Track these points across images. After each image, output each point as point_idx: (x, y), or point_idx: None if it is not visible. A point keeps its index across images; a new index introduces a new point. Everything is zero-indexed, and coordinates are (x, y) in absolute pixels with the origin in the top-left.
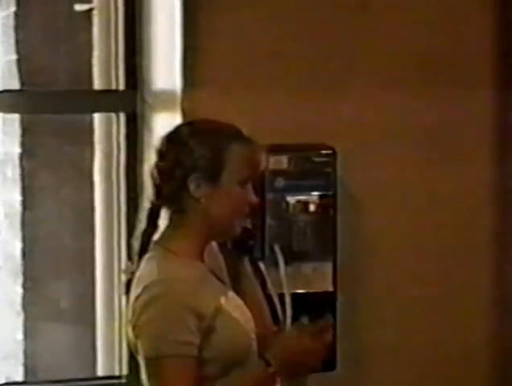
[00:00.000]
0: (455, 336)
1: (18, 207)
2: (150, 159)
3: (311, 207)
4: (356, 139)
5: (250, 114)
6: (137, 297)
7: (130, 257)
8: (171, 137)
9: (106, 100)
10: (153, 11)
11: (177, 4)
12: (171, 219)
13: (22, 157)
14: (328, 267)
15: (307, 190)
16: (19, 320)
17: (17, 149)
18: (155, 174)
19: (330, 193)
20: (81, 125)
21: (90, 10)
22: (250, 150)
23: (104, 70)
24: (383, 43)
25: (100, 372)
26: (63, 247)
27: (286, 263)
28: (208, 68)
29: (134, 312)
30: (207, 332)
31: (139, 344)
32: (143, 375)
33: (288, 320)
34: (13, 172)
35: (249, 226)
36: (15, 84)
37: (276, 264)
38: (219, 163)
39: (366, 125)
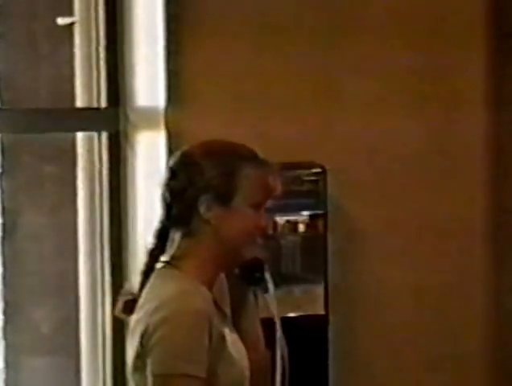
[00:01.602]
0: (451, 353)
1: None
2: (133, 177)
3: (301, 228)
4: (346, 157)
5: (236, 132)
6: (150, 313)
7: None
8: (184, 156)
9: (88, 119)
10: (135, 28)
11: (160, 21)
12: (181, 242)
13: (1, 177)
14: (319, 289)
15: (297, 209)
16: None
17: None
18: (166, 194)
19: (320, 212)
20: (63, 144)
21: (73, 24)
22: (265, 173)
23: (86, 87)
24: (372, 61)
25: None
26: (44, 270)
27: (275, 286)
28: (191, 86)
29: (145, 331)
30: (216, 354)
31: (148, 362)
32: None
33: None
34: None
35: (260, 256)
36: None
37: (265, 288)
38: (231, 185)
39: (357, 142)
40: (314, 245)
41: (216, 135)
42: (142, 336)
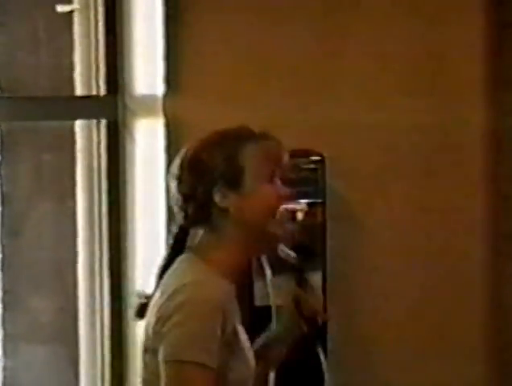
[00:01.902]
0: (451, 340)
1: None
2: (132, 165)
3: (299, 216)
4: (345, 145)
5: (233, 120)
6: (168, 298)
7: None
8: (184, 157)
9: (87, 106)
10: (134, 15)
11: (159, 8)
12: (203, 237)
13: (0, 165)
14: (317, 278)
15: (295, 197)
16: None
17: None
18: (179, 199)
19: (319, 201)
20: (62, 132)
21: (72, 12)
22: (266, 145)
23: (85, 75)
24: (374, 45)
25: None
26: (43, 259)
27: (273, 274)
28: (190, 72)
29: (161, 316)
30: (228, 347)
31: (161, 347)
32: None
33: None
34: None
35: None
36: None
37: (263, 276)
38: (237, 167)
39: (356, 131)
40: (313, 233)
41: (214, 121)
42: (158, 320)
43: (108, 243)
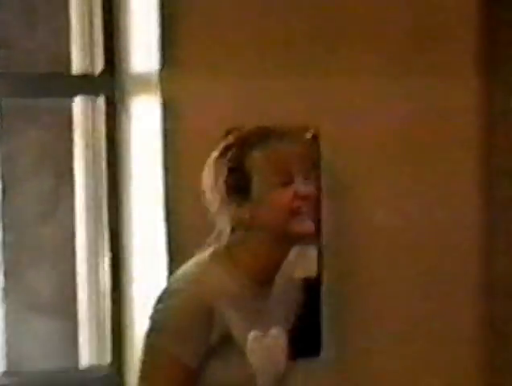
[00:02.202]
0: (442, 322)
1: None
2: (129, 141)
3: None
4: (339, 123)
5: (230, 96)
6: (163, 297)
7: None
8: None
9: (84, 84)
10: None
11: None
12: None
13: None
14: (313, 251)
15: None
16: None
17: None
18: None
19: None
20: (59, 109)
21: None
22: (274, 152)
23: (82, 52)
24: (366, 25)
25: (83, 361)
26: (43, 235)
27: None
28: (185, 50)
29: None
30: (221, 352)
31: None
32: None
33: None
34: None
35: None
36: None
37: None
38: (243, 177)
39: (350, 108)
40: None
41: (210, 99)
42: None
43: (107, 216)
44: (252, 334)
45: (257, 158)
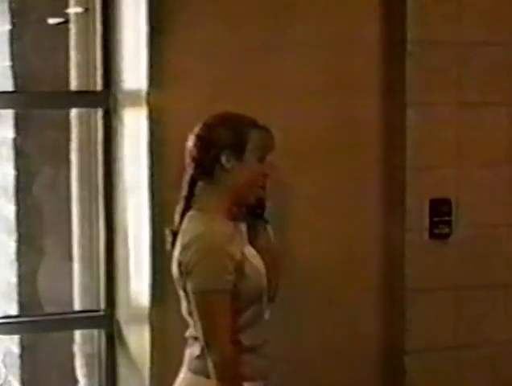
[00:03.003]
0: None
1: (11, 179)
2: (121, 145)
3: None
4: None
5: (206, 107)
6: (184, 247)
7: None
8: (207, 124)
9: (86, 99)
10: (124, 26)
11: (143, 19)
12: (203, 188)
13: (15, 141)
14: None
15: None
16: (13, 267)
17: (11, 134)
18: (195, 152)
19: None
20: (64, 117)
21: (62, 23)
22: (265, 134)
23: (83, 73)
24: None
25: (77, 307)
26: (47, 210)
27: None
28: (169, 72)
29: (182, 261)
30: (238, 271)
31: (188, 281)
32: (184, 307)
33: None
34: (7, 152)
35: (262, 196)
36: (9, 85)
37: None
38: (243, 143)
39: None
40: None
41: (189, 112)
42: (180, 264)
43: (103, 201)
44: (245, 248)
45: (254, 133)
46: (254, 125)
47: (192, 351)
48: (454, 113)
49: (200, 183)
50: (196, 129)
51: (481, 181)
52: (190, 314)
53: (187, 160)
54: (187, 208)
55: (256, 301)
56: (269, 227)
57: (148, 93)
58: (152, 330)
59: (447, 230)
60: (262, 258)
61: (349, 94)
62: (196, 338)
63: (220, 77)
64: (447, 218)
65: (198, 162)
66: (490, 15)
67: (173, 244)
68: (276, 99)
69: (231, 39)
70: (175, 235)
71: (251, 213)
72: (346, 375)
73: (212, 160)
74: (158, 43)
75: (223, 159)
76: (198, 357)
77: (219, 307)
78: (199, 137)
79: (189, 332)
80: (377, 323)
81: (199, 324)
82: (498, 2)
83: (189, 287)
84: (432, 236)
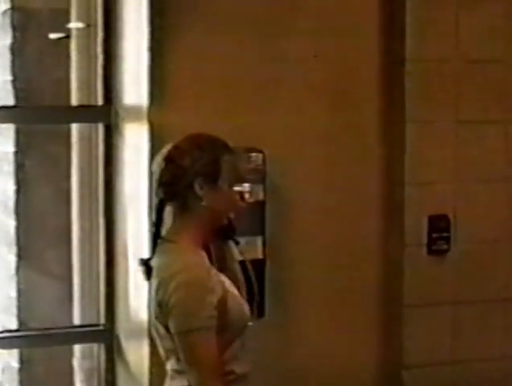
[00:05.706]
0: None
1: (12, 194)
2: (122, 160)
3: (247, 196)
4: (279, 144)
5: (201, 124)
6: (162, 285)
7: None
8: (179, 148)
9: (87, 114)
10: (125, 41)
11: (144, 35)
12: (175, 216)
13: (16, 155)
14: (258, 240)
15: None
16: (13, 282)
17: (12, 149)
18: (167, 176)
19: (261, 185)
20: (65, 132)
21: (64, 38)
22: (238, 159)
23: (84, 88)
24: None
25: (77, 321)
26: (47, 224)
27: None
28: (168, 88)
29: (162, 299)
30: (221, 304)
31: (170, 321)
32: (163, 344)
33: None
34: (8, 167)
35: (231, 216)
36: (10, 99)
37: (237, 242)
38: (217, 169)
39: (287, 131)
40: (256, 209)
41: (188, 125)
42: (159, 303)
43: (104, 218)
44: (222, 277)
45: (228, 158)
46: (226, 148)
47: (175, 384)
48: (452, 130)
49: (169, 208)
50: (165, 152)
51: (478, 197)
52: (171, 351)
53: (155, 184)
54: (157, 235)
55: (244, 328)
56: (235, 248)
57: (149, 109)
58: (151, 345)
59: (445, 246)
60: (233, 281)
61: (349, 111)
62: (179, 372)
63: (221, 93)
64: (445, 234)
65: (169, 187)
66: (488, 34)
67: (148, 275)
68: (276, 113)
69: (233, 56)
70: (147, 265)
71: (222, 235)
72: None
73: (184, 187)
74: (160, 59)
75: (196, 187)
76: None
77: (205, 345)
78: (170, 161)
79: (171, 365)
80: (376, 338)
81: (186, 363)
82: (496, 21)
83: (171, 327)
84: (431, 252)
